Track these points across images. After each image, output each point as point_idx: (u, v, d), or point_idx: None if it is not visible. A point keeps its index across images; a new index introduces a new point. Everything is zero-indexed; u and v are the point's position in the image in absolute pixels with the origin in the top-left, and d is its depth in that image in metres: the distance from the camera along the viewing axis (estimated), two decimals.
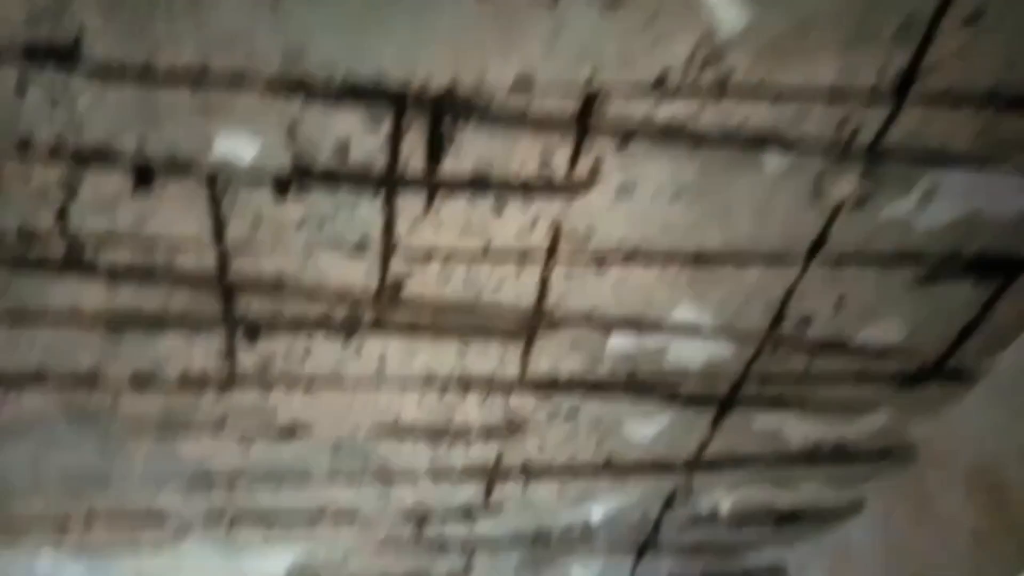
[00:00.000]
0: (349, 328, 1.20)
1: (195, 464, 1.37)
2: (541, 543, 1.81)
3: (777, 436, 1.58)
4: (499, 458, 1.53)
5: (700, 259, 1.15)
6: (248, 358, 1.21)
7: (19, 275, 1.02)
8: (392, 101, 0.90)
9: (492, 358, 1.30)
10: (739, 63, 0.90)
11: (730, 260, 1.16)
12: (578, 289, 1.17)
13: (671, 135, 0.96)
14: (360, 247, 1.07)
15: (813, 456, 1.65)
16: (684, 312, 1.22)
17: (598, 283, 1.16)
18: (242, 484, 1.45)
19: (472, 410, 1.40)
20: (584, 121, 0.93)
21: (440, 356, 1.28)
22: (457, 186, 1.01)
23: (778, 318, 1.27)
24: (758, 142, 0.99)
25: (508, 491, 1.62)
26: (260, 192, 0.98)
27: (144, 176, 0.93)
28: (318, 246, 1.06)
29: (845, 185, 1.06)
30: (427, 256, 1.10)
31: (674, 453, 1.58)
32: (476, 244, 1.10)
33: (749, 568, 2.05)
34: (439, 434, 1.44)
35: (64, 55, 0.80)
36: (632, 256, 1.13)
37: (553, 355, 1.30)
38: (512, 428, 1.46)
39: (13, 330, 1.10)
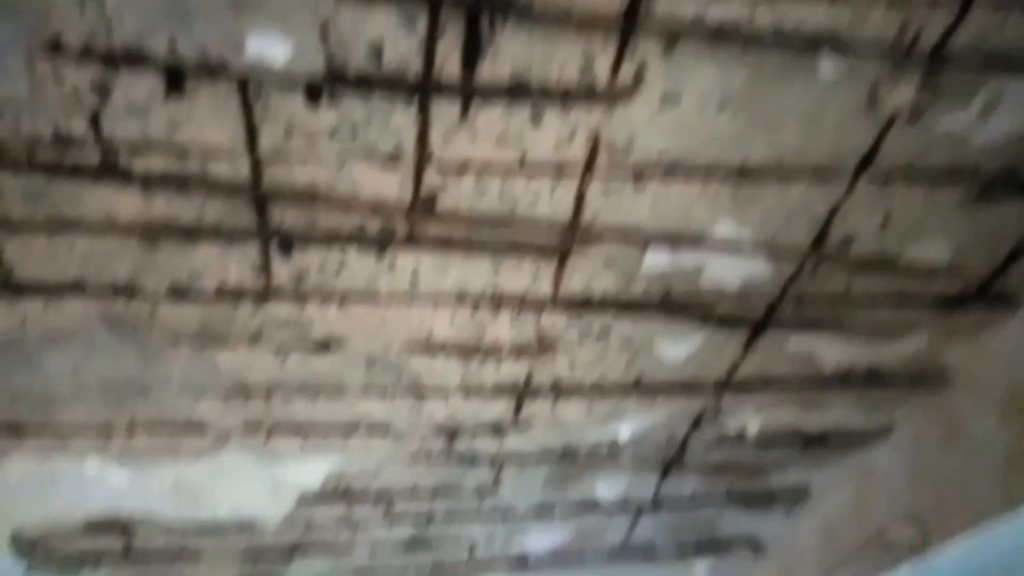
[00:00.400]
0: (382, 242, 1.19)
1: (232, 375, 1.40)
2: (568, 459, 1.84)
3: (810, 359, 1.57)
4: (529, 376, 1.54)
5: (743, 174, 1.11)
6: (283, 271, 1.21)
7: (55, 181, 1.01)
8: None
9: (525, 276, 1.29)
10: None
11: (775, 175, 1.12)
12: (615, 204, 1.14)
13: (722, 37, 0.91)
14: (393, 158, 1.05)
15: (845, 379, 1.64)
16: (724, 229, 1.19)
17: (636, 198, 1.13)
18: (279, 396, 1.48)
19: (503, 328, 1.40)
20: (630, 20, 0.88)
21: (473, 273, 1.27)
22: (494, 93, 0.98)
23: (821, 236, 1.23)
24: (813, 46, 0.94)
25: (537, 408, 1.64)
26: (292, 98, 0.96)
27: (176, 79, 0.90)
28: (351, 156, 1.04)
29: (902, 94, 1.01)
30: (461, 168, 1.08)
31: (704, 374, 1.58)
32: (512, 156, 1.07)
33: (773, 488, 2.08)
34: (470, 351, 1.45)
35: None
36: (672, 170, 1.10)
37: (586, 273, 1.29)
38: (543, 347, 1.46)
39: (52, 238, 1.10)
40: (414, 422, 1.62)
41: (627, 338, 1.45)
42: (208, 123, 0.97)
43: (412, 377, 1.49)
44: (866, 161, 1.12)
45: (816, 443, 1.88)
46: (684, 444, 1.83)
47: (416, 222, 1.15)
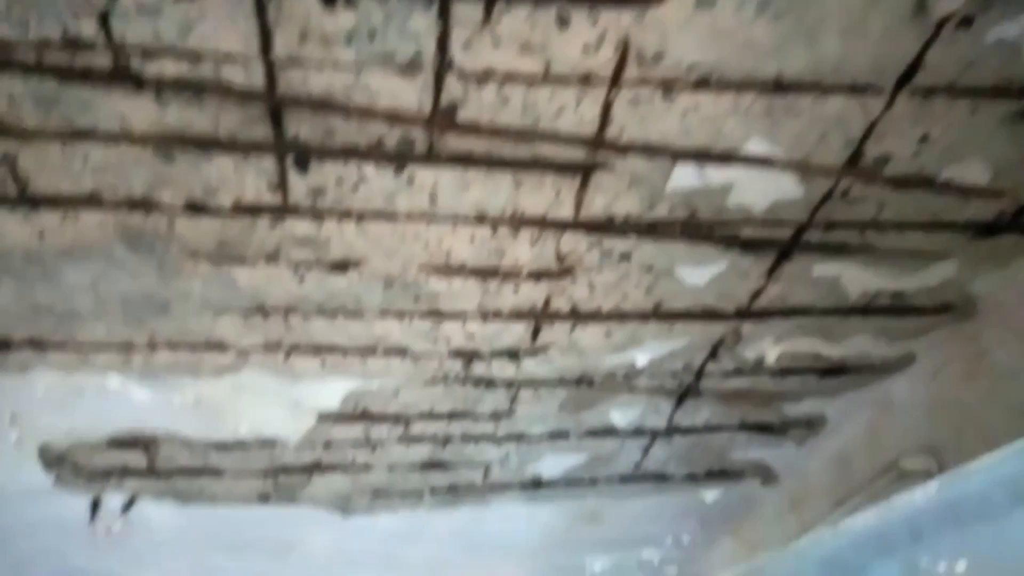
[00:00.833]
0: (401, 157, 1.16)
1: (251, 293, 1.39)
2: (584, 385, 1.84)
3: (835, 286, 1.54)
4: (547, 300, 1.52)
5: (779, 87, 1.06)
6: (299, 187, 1.19)
7: (67, 87, 0.98)
8: None
9: (546, 195, 1.26)
10: None
11: (811, 88, 1.07)
12: (643, 118, 1.10)
13: None
14: (413, 65, 1.01)
15: (868, 308, 1.62)
16: (755, 146, 1.15)
17: (665, 111, 1.09)
18: (297, 315, 1.47)
19: (523, 250, 1.38)
20: None
21: (493, 191, 1.24)
22: None
23: (855, 156, 1.19)
24: None
25: (555, 334, 1.63)
26: None
27: None
28: (368, 62, 1.00)
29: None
30: (483, 77, 1.04)
31: (725, 301, 1.56)
32: (536, 65, 1.02)
33: (787, 418, 2.08)
34: (489, 273, 1.43)
35: None
36: (704, 81, 1.05)
37: (610, 193, 1.25)
38: (562, 270, 1.44)
39: (65, 148, 1.08)
40: (432, 345, 1.62)
41: (648, 262, 1.43)
42: (221, 25, 0.93)
43: (430, 299, 1.48)
44: (908, 75, 1.07)
45: (834, 373, 1.87)
46: (700, 372, 1.82)
47: (436, 134, 1.11)
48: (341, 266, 1.37)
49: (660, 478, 2.38)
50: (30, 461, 1.82)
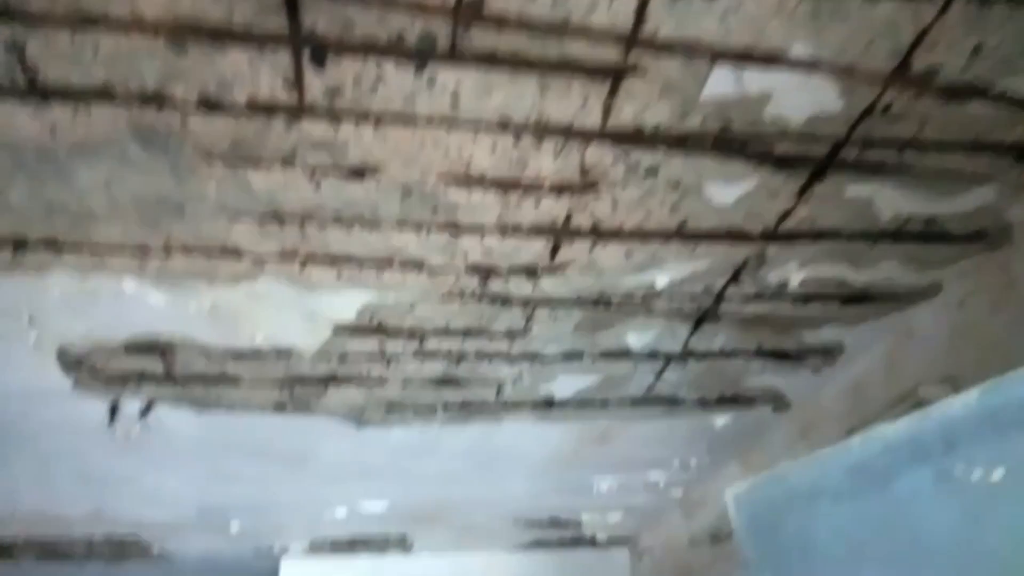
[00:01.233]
0: (422, 55, 1.10)
1: (266, 198, 1.36)
2: (601, 306, 1.82)
3: (866, 208, 1.49)
4: (569, 216, 1.49)
5: None
6: (316, 85, 1.14)
7: None
8: None
9: (573, 101, 1.20)
10: None
11: None
12: (682, 14, 1.03)
13: None
14: None
15: (899, 233, 1.57)
16: (799, 50, 1.08)
17: (705, 10, 1.02)
18: (313, 224, 1.45)
19: (546, 161, 1.34)
20: None
21: (517, 96, 1.19)
22: None
23: (903, 65, 1.12)
24: None
25: (574, 251, 1.60)
26: None
27: None
28: None
29: None
30: None
31: (752, 221, 1.52)
32: None
33: (805, 345, 2.06)
34: (510, 185, 1.39)
35: None
36: None
37: (640, 101, 1.20)
38: (586, 184, 1.40)
39: (75, 36, 1.04)
40: (448, 259, 1.60)
41: (675, 178, 1.38)
42: None
43: (448, 211, 1.45)
44: None
45: (857, 300, 1.84)
46: (720, 295, 1.79)
47: (460, 27, 1.05)
48: (358, 173, 1.33)
49: (671, 402, 2.39)
50: (49, 363, 1.85)
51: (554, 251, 1.60)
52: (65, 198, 1.34)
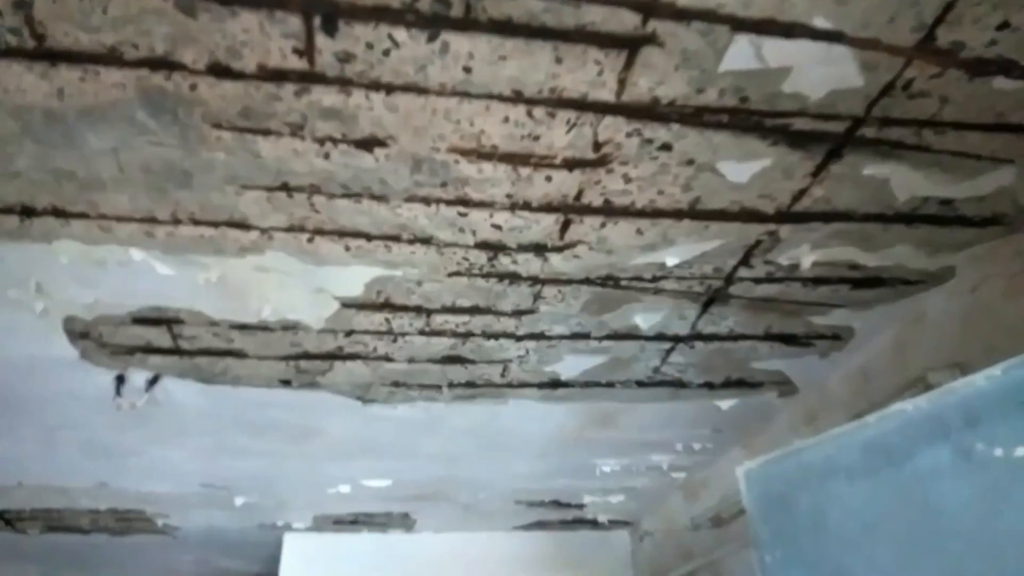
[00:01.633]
0: (435, 21, 1.08)
1: (275, 167, 1.35)
2: (609, 286, 1.81)
3: (882, 189, 1.47)
4: (580, 193, 1.47)
5: None
6: (327, 52, 1.12)
7: None
8: None
9: (588, 73, 1.18)
10: None
11: None
12: None
13: None
14: None
15: (914, 216, 1.55)
16: (821, 22, 1.06)
17: None
18: (322, 196, 1.43)
19: (558, 135, 1.32)
20: None
21: (531, 66, 1.17)
22: None
23: (927, 40, 1.09)
24: None
25: (584, 229, 1.59)
26: None
27: None
28: None
29: None
30: None
31: (766, 201, 1.50)
32: None
33: (813, 330, 2.05)
34: (521, 159, 1.37)
35: None
36: None
37: (657, 73, 1.18)
38: (598, 159, 1.38)
39: None
40: (457, 235, 1.59)
41: (690, 154, 1.36)
42: None
43: (458, 184, 1.43)
44: None
45: (868, 284, 1.82)
46: (731, 277, 1.78)
47: None
48: (368, 143, 1.32)
49: (677, 385, 2.38)
50: (55, 333, 1.84)
51: (564, 228, 1.58)
52: (73, 165, 1.33)
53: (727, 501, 2.80)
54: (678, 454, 3.01)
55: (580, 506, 3.68)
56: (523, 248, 1.65)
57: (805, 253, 1.68)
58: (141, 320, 1.81)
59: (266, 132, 1.27)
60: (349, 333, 1.94)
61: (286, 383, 2.16)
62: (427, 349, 2.06)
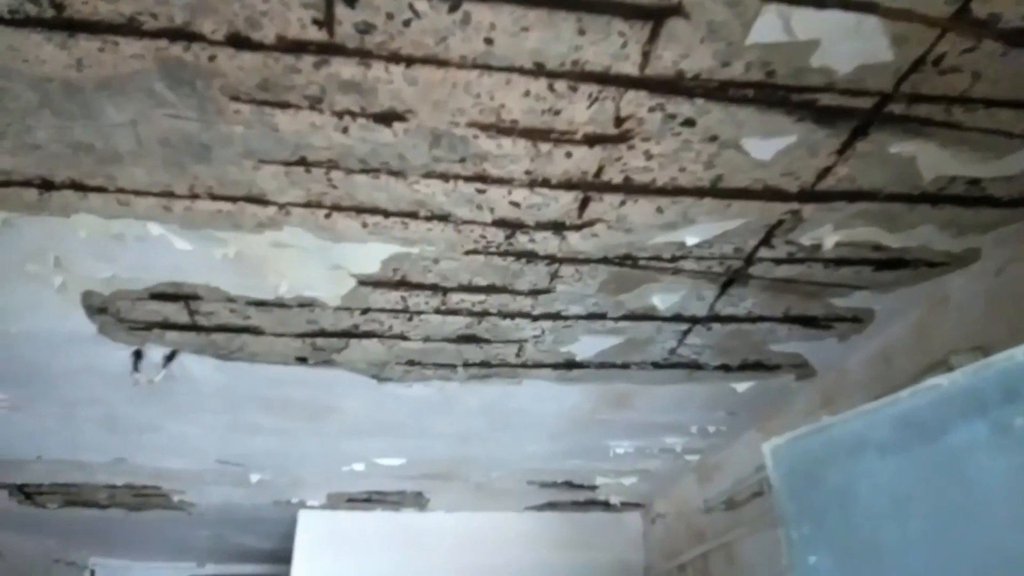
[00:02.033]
0: None
1: (293, 141, 1.34)
2: (628, 265, 1.79)
3: (909, 168, 1.44)
4: (600, 169, 1.45)
5: None
6: (347, 21, 1.11)
7: None
8: None
9: (612, 45, 1.16)
10: None
11: None
12: None
13: None
14: None
15: (940, 196, 1.52)
16: None
17: None
18: (340, 171, 1.42)
19: (579, 109, 1.30)
20: None
21: (554, 37, 1.14)
22: None
23: (962, 10, 1.06)
24: None
25: (604, 207, 1.57)
26: None
27: None
28: None
29: None
30: None
31: (790, 179, 1.47)
32: None
33: (833, 312, 2.02)
34: (541, 134, 1.36)
35: None
36: None
37: (682, 45, 1.15)
38: (620, 135, 1.36)
39: None
40: (475, 212, 1.57)
41: (713, 131, 1.34)
42: None
43: (477, 160, 1.42)
44: None
45: (891, 266, 1.79)
46: (751, 257, 1.76)
47: None
48: (387, 117, 1.30)
49: (693, 367, 2.37)
50: (74, 308, 1.85)
51: (583, 206, 1.56)
52: (91, 137, 1.33)
53: (741, 484, 2.79)
54: (692, 436, 3.00)
55: (592, 487, 3.69)
56: (541, 226, 1.63)
57: (828, 233, 1.65)
58: (158, 296, 1.82)
59: (284, 105, 1.26)
60: (365, 311, 1.94)
61: (302, 360, 2.17)
62: (443, 328, 2.05)
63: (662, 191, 1.52)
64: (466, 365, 2.29)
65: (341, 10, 1.09)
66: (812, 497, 0.94)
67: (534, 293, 1.91)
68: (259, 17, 1.10)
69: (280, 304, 1.88)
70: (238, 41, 1.14)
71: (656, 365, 2.35)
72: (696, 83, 1.23)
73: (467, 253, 1.72)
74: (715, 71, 1.20)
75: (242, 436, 2.79)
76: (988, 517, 0.63)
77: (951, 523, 0.65)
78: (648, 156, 1.41)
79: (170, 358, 2.10)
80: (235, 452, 2.98)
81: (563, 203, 1.55)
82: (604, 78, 1.23)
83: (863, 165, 1.43)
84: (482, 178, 1.47)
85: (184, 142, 1.34)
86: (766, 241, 1.69)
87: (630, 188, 1.51)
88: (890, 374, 2.07)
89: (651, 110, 1.29)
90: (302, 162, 1.40)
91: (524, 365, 2.31)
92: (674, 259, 1.77)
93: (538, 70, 1.21)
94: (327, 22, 1.11)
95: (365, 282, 1.80)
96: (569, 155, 1.41)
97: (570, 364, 2.31)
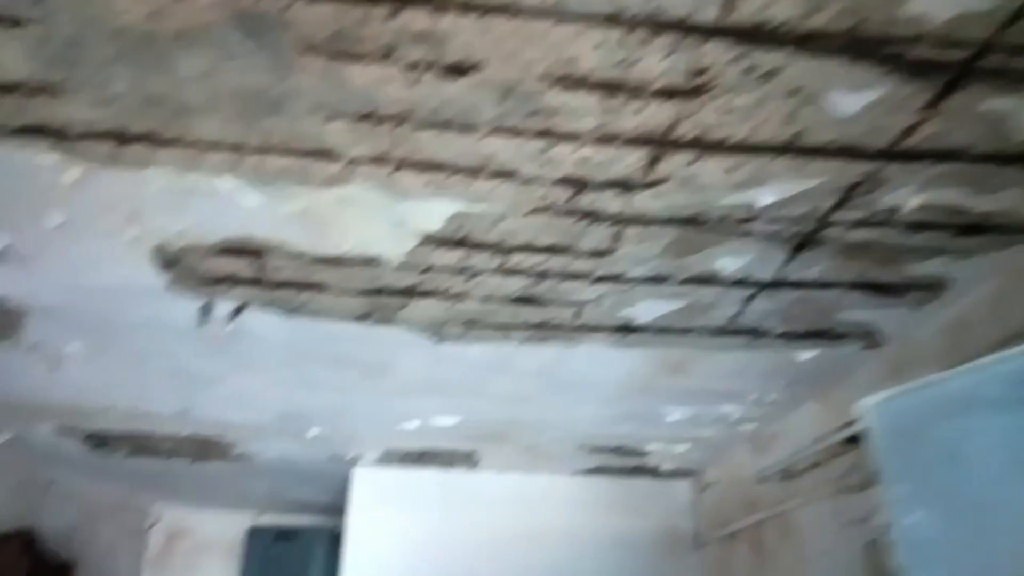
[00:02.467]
0: None
1: (362, 95, 1.33)
2: (694, 227, 1.75)
3: (1000, 126, 1.36)
4: (672, 125, 1.41)
5: None
6: None
7: None
8: None
9: None
10: None
11: None
12: None
13: None
14: None
15: None
16: None
17: None
18: (407, 126, 1.41)
19: (654, 60, 1.25)
20: None
21: None
22: None
23: None
24: None
25: (673, 165, 1.53)
26: None
27: None
28: None
29: None
30: None
31: (873, 136, 1.41)
32: None
33: (907, 279, 1.95)
34: (613, 88, 1.32)
35: None
36: None
37: None
38: (695, 88, 1.31)
39: None
40: (540, 169, 1.55)
41: (796, 84, 1.28)
42: None
43: (546, 115, 1.39)
44: None
45: (972, 231, 1.71)
46: (825, 219, 1.69)
47: None
48: (457, 69, 1.28)
49: (755, 334, 2.32)
50: (143, 261, 1.90)
51: (651, 164, 1.53)
52: (165, 89, 1.34)
53: (799, 454, 2.74)
54: (749, 405, 2.95)
55: (643, 453, 3.68)
56: (607, 185, 1.60)
57: (908, 195, 1.58)
58: (227, 250, 1.85)
59: (356, 57, 1.25)
60: (426, 270, 1.94)
61: (363, 317, 2.20)
62: (502, 288, 2.05)
63: (736, 148, 1.47)
64: (523, 327, 2.28)
65: None
66: (916, 454, 0.91)
67: (596, 254, 1.88)
68: None
69: (344, 261, 1.89)
70: None
71: (716, 332, 2.31)
72: (780, 32, 1.17)
73: (530, 212, 1.70)
74: (801, 19, 1.14)
75: (302, 391, 2.85)
76: None
77: None
78: (724, 111, 1.37)
79: (237, 312, 2.15)
80: (295, 407, 3.06)
81: (631, 161, 1.52)
82: (683, 26, 1.18)
83: (952, 122, 1.35)
84: (549, 134, 1.44)
85: (255, 95, 1.34)
86: (842, 203, 1.62)
87: (702, 145, 1.46)
88: (965, 344, 1.99)
89: (730, 62, 1.25)
90: (370, 117, 1.39)
91: (581, 328, 2.29)
92: (743, 221, 1.72)
93: (614, 19, 1.17)
94: None
95: (427, 240, 1.81)
96: (640, 110, 1.37)
97: (628, 328, 2.29)
